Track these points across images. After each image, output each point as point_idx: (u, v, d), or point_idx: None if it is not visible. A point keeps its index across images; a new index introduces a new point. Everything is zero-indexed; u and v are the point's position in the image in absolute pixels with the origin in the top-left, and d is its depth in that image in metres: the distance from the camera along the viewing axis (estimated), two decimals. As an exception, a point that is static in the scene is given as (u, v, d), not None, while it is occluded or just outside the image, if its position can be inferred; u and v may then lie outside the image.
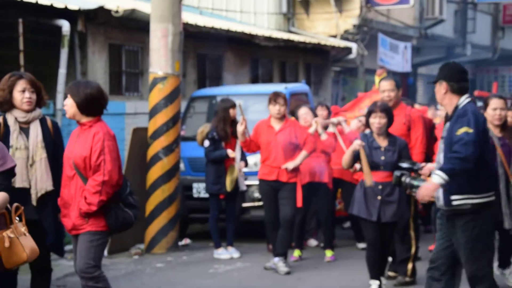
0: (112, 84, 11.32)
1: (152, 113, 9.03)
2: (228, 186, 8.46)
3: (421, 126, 7.22)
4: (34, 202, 5.18)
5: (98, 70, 10.85)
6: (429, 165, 5.67)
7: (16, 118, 5.30)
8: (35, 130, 5.34)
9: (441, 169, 4.89)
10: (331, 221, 8.59)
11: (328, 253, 8.45)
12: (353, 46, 16.91)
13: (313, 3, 17.38)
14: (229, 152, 8.46)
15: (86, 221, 4.94)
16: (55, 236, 5.28)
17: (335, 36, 17.13)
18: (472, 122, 4.91)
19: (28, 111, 5.34)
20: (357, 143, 6.38)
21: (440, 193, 5.03)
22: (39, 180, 5.20)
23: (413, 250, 7.09)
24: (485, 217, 4.99)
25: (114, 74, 11.39)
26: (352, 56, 17.01)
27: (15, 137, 5.21)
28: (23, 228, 4.32)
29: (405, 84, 19.93)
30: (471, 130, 4.87)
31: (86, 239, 4.95)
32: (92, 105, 5.02)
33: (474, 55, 24.23)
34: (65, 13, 9.77)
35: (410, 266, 7.07)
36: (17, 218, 4.36)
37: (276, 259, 7.75)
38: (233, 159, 8.49)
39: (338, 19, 17.25)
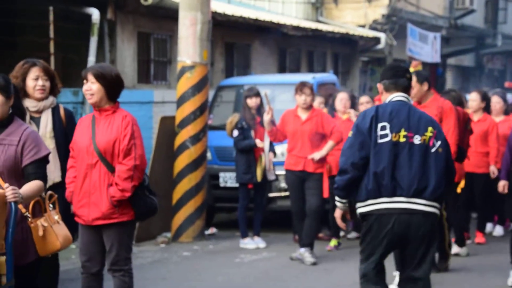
0: (141, 72, 11.36)
1: (180, 102, 9.05)
2: (258, 176, 8.47)
3: (454, 117, 7.09)
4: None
5: (126, 58, 10.90)
6: None
7: (27, 108, 5.16)
8: (45, 119, 5.24)
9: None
10: None
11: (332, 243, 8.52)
12: (382, 36, 16.79)
13: (342, -8, 17.27)
14: (258, 141, 8.46)
15: (117, 210, 4.78)
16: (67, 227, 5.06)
17: (363, 26, 17.02)
18: (354, 125, 4.58)
19: (40, 100, 5.24)
20: None
21: None
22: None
23: (446, 238, 7.23)
24: (372, 227, 4.49)
25: (143, 63, 11.44)
26: (381, 46, 16.89)
27: (27, 124, 5.16)
28: (56, 216, 4.34)
29: (434, 75, 19.74)
30: (350, 135, 4.57)
31: (117, 230, 4.81)
32: (119, 89, 4.87)
33: (504, 45, 23.94)
34: (94, 1, 9.82)
35: (448, 251, 7.28)
36: (51, 205, 4.39)
37: (302, 249, 7.74)
38: (262, 149, 8.49)
39: (367, 8, 17.12)
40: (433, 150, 4.48)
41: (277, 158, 9.10)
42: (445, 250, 7.31)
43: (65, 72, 9.96)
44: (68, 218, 4.93)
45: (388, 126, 4.47)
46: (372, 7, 17.16)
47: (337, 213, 4.70)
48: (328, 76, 11.52)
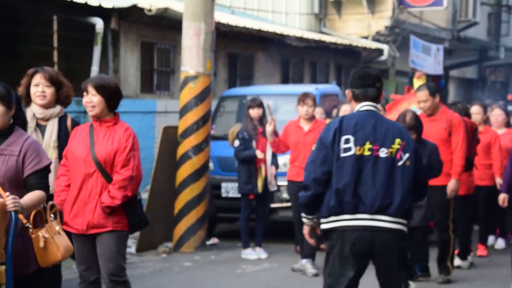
0: (144, 82, 11.38)
1: (183, 111, 9.06)
2: (259, 187, 8.46)
3: (462, 130, 7.23)
4: None
5: (130, 68, 10.92)
6: None
7: (34, 114, 5.20)
8: (51, 128, 5.23)
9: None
10: None
11: None
12: (385, 47, 16.81)
13: (345, 4, 17.30)
14: (258, 152, 8.46)
15: (109, 218, 4.77)
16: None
17: (366, 37, 17.05)
18: (318, 138, 4.36)
19: (42, 106, 5.23)
20: None
21: None
22: None
23: (450, 249, 7.26)
24: (336, 244, 4.26)
25: (146, 72, 11.46)
26: (384, 57, 16.92)
27: (29, 134, 5.15)
28: (57, 227, 4.32)
29: (437, 87, 19.74)
30: (313, 149, 4.34)
31: (114, 239, 4.79)
32: (119, 99, 4.88)
33: (507, 58, 23.97)
34: (98, 10, 9.85)
35: (449, 264, 7.28)
36: (52, 216, 4.37)
37: (304, 260, 7.73)
38: (263, 159, 8.49)
39: (370, 20, 17.15)
40: (400, 163, 4.21)
41: (280, 169, 9.11)
42: (447, 264, 7.30)
43: (68, 81, 9.96)
44: None
45: (352, 139, 4.22)
46: (375, 18, 17.20)
47: (305, 230, 4.46)
48: (331, 87, 11.53)
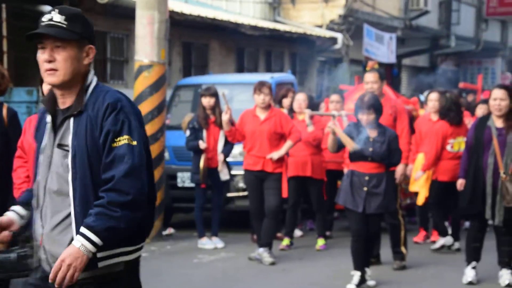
0: (97, 71, 11.23)
1: (137, 101, 8.96)
2: (200, 176, 8.40)
3: (407, 117, 7.49)
4: None
5: (82, 57, 10.76)
6: None
7: None
8: None
9: None
10: (324, 211, 8.61)
11: (320, 242, 8.48)
12: (339, 36, 16.90)
13: (299, -8, 17.33)
14: (200, 143, 8.41)
15: None
16: None
17: (320, 26, 17.11)
18: None
19: None
20: (328, 126, 6.51)
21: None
22: None
23: (402, 234, 7.37)
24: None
25: (99, 62, 11.31)
26: (338, 46, 17.01)
27: None
28: None
29: (389, 75, 19.94)
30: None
31: None
32: None
33: (458, 46, 24.31)
34: (49, -1, 9.67)
35: (404, 249, 7.40)
36: None
37: (261, 249, 7.73)
38: (208, 149, 8.43)
39: (324, 9, 17.21)
40: None
41: (235, 158, 9.09)
42: (401, 249, 7.39)
43: (19, 71, 9.78)
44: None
45: None
46: (329, 7, 17.26)
47: None
48: (287, 76, 11.54)
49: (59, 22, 2.91)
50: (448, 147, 8.27)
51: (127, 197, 2.82)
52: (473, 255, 6.77)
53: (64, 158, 2.90)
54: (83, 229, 2.82)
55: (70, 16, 2.94)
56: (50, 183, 2.93)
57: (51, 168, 2.94)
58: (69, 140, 2.90)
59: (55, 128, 2.96)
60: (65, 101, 2.96)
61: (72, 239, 2.87)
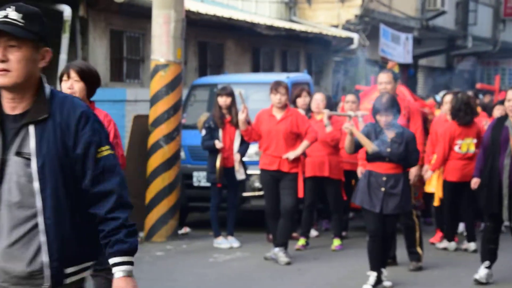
0: (113, 70, 11.26)
1: (153, 100, 8.97)
2: (217, 176, 8.41)
3: (420, 118, 7.45)
4: None
5: (99, 56, 10.79)
6: None
7: None
8: None
9: None
10: (341, 211, 8.58)
11: (336, 242, 8.45)
12: (355, 36, 16.84)
13: (315, -8, 17.29)
14: (216, 142, 8.41)
15: None
16: None
17: (336, 26, 17.06)
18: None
19: None
20: (345, 126, 6.45)
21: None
22: None
23: (417, 234, 7.34)
24: None
25: (115, 61, 11.33)
26: (354, 46, 16.94)
27: None
28: None
29: (405, 76, 19.87)
30: None
31: None
32: (97, 87, 4.64)
33: (475, 47, 24.18)
34: (66, -2, 9.71)
35: (419, 250, 7.36)
36: None
37: (276, 249, 7.72)
38: (224, 149, 8.43)
39: (340, 9, 17.16)
40: None
41: (251, 158, 9.08)
42: (416, 250, 7.34)
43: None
44: None
45: None
46: (345, 7, 17.21)
47: None
48: (302, 76, 11.51)
49: (15, 20, 2.66)
50: (456, 148, 8.16)
51: (131, 207, 2.82)
52: (488, 256, 6.73)
53: (27, 167, 2.67)
54: (123, 258, 2.78)
55: (28, 15, 2.69)
56: (8, 195, 2.68)
57: (5, 178, 2.69)
58: (30, 148, 2.68)
59: (4, 135, 2.71)
60: (16, 106, 2.72)
61: (35, 254, 2.68)
